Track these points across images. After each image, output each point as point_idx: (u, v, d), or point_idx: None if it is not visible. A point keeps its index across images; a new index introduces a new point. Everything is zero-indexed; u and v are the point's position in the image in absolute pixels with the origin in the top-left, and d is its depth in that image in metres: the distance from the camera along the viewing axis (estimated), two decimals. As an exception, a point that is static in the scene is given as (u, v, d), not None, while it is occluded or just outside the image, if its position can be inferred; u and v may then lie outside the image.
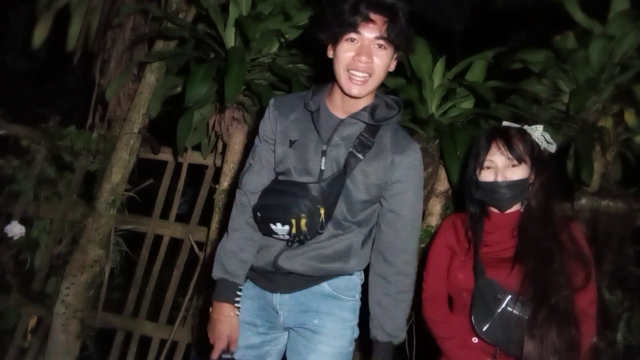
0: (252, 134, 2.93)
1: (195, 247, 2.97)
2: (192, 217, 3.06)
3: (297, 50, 2.74)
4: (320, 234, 1.55)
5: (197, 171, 3.16)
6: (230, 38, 2.70)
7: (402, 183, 1.58)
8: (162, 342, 2.93)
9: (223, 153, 2.92)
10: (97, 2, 3.12)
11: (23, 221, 3.01)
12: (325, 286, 1.63)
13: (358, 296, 1.68)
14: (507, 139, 1.67)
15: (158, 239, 3.09)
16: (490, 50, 2.67)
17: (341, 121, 1.57)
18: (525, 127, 1.75)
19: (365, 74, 1.51)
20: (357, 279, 1.69)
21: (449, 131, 2.49)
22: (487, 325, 1.59)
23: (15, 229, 2.95)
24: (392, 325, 1.63)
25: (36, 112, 3.47)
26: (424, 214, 2.66)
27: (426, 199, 2.60)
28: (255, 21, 2.53)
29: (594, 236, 2.65)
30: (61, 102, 5.33)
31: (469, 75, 2.66)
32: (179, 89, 2.87)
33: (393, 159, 1.56)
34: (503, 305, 1.58)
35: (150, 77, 2.96)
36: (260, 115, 2.72)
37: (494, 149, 1.67)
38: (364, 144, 1.55)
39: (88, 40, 3.15)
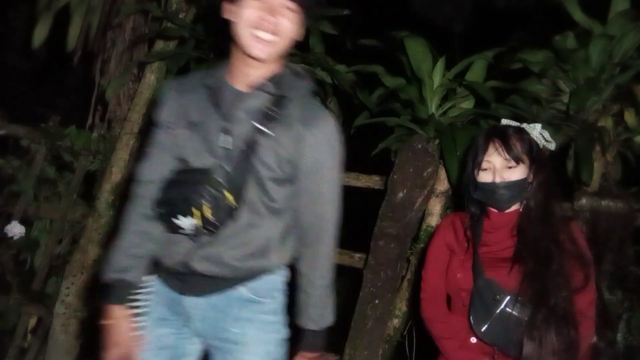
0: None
1: (195, 247, 2.96)
2: (192, 217, 3.05)
3: (297, 50, 2.74)
4: (233, 221, 1.40)
5: (197, 171, 3.15)
6: (230, 38, 2.70)
7: (315, 159, 1.42)
8: (162, 342, 2.93)
9: (223, 153, 2.91)
10: (97, 2, 3.13)
11: (23, 221, 3.01)
12: (243, 290, 1.48)
13: (281, 294, 1.57)
14: (505, 139, 1.65)
15: (158, 239, 3.08)
16: (490, 50, 2.67)
17: (243, 94, 1.42)
18: (524, 125, 1.74)
19: (271, 36, 1.37)
20: (280, 277, 1.56)
21: (449, 131, 2.49)
22: (486, 325, 1.58)
23: (15, 229, 2.95)
24: (317, 312, 1.53)
25: (36, 112, 3.48)
26: (424, 214, 2.67)
27: (426, 199, 2.60)
28: (255, 21, 2.53)
29: (594, 236, 2.65)
30: (61, 102, 5.33)
31: (469, 75, 2.66)
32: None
33: (303, 133, 1.40)
34: (502, 306, 1.57)
35: (150, 77, 2.96)
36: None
37: (491, 150, 1.65)
38: (269, 117, 1.39)
39: (88, 40, 3.16)
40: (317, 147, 1.42)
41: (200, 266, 1.44)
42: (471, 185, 1.72)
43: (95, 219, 2.89)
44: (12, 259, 3.01)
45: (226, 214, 1.38)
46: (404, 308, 2.60)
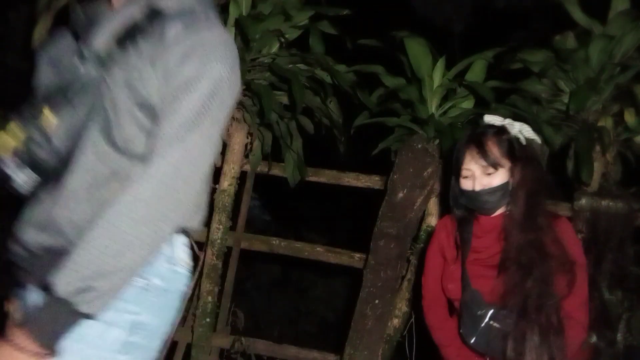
0: (252, 134, 2.94)
1: (195, 247, 2.95)
2: (192, 217, 3.05)
3: (297, 50, 2.74)
4: (57, 156, 1.07)
5: (197, 171, 3.15)
6: (230, 38, 2.70)
7: (185, 86, 1.04)
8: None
9: (223, 153, 2.92)
10: (97, 2, 3.12)
11: (23, 221, 3.00)
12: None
13: (154, 276, 1.12)
14: (481, 145, 1.61)
15: (158, 239, 3.08)
16: (490, 50, 2.67)
17: (107, 13, 1.16)
18: (506, 122, 1.68)
19: None
20: (165, 265, 1.21)
21: (449, 131, 2.49)
22: (474, 338, 1.57)
23: (15, 229, 2.94)
24: (76, 269, 0.94)
25: (36, 112, 3.46)
26: (424, 214, 2.67)
27: (426, 199, 2.60)
28: (255, 21, 2.54)
29: (594, 236, 2.65)
30: (61, 102, 5.32)
31: (469, 75, 2.66)
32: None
33: (173, 57, 1.07)
34: (486, 319, 1.55)
35: (151, 77, 2.95)
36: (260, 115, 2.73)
37: (468, 157, 1.62)
38: (134, 36, 1.10)
39: (88, 40, 3.15)
40: (188, 75, 1.04)
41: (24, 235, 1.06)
42: (457, 191, 1.70)
43: (95, 219, 2.88)
44: (12, 259, 3.00)
45: (42, 139, 1.06)
46: (404, 308, 2.60)
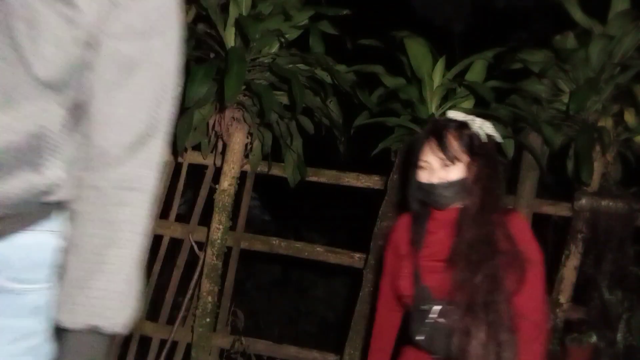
0: (252, 134, 2.94)
1: (195, 247, 2.97)
2: (192, 217, 3.06)
3: (297, 50, 2.74)
4: None
5: (197, 171, 3.16)
6: (230, 38, 2.70)
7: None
8: (162, 342, 2.93)
9: (223, 153, 2.92)
10: (97, 2, 3.12)
11: (23, 221, 3.00)
12: None
13: (51, 283, 0.87)
14: (441, 137, 1.57)
15: (158, 239, 3.09)
16: (490, 50, 2.67)
17: None
18: (468, 118, 1.64)
19: None
20: (55, 238, 0.88)
21: (449, 131, 2.49)
22: (422, 336, 1.54)
23: (15, 229, 2.94)
24: (94, 292, 0.83)
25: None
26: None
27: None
28: (255, 21, 2.53)
29: (594, 236, 2.65)
30: (61, 102, 5.32)
31: (469, 75, 2.66)
32: (179, 89, 2.86)
33: None
34: (435, 316, 1.53)
35: (150, 77, 2.95)
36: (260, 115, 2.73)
37: (427, 149, 1.60)
38: None
39: (88, 40, 3.15)
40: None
41: None
42: (414, 184, 1.66)
43: (95, 219, 2.88)
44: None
45: None
46: (404, 308, 2.61)
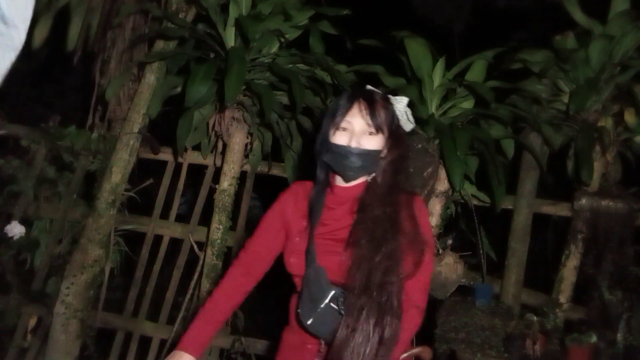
0: (252, 134, 2.94)
1: (195, 247, 2.97)
2: (192, 217, 3.06)
3: (297, 50, 2.74)
4: None
5: (197, 171, 3.16)
6: (230, 38, 2.70)
7: None
8: (162, 342, 2.93)
9: (223, 153, 2.92)
10: (97, 2, 3.12)
11: (23, 221, 3.01)
12: None
13: None
14: (371, 103, 1.50)
15: (158, 239, 3.09)
16: (490, 50, 2.67)
17: None
18: (390, 96, 1.58)
19: None
20: None
21: (449, 131, 2.49)
22: (311, 319, 1.43)
23: (15, 229, 2.95)
24: None
25: (36, 112, 3.48)
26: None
27: (426, 199, 2.60)
28: (255, 21, 2.54)
29: (594, 236, 2.65)
30: (61, 102, 5.32)
31: (469, 75, 2.66)
32: (179, 89, 2.87)
33: None
34: (327, 300, 1.42)
35: (150, 77, 2.96)
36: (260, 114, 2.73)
37: (354, 110, 1.49)
38: None
39: (88, 40, 3.15)
40: None
41: None
42: (323, 146, 1.54)
43: (95, 219, 2.89)
44: (12, 259, 3.00)
45: None
46: (404, 308, 2.60)
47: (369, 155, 1.48)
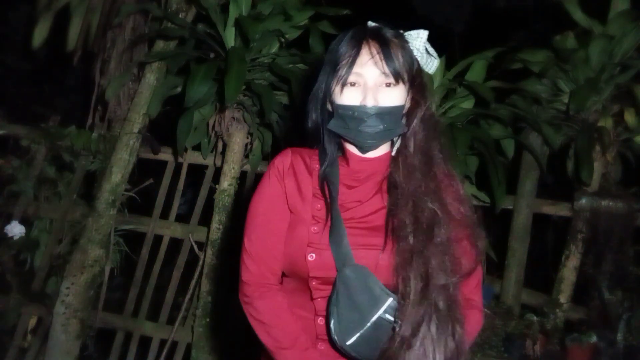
0: (252, 134, 2.94)
1: (195, 247, 2.97)
2: (192, 217, 3.06)
3: (297, 50, 2.74)
4: None
5: (197, 171, 3.16)
6: (230, 38, 2.70)
7: None
8: (162, 342, 2.93)
9: (223, 153, 2.92)
10: (97, 2, 3.12)
11: (23, 221, 3.01)
12: None
13: None
14: (385, 43, 1.11)
15: (158, 239, 3.09)
16: (490, 50, 2.67)
17: None
18: (405, 33, 1.19)
19: None
20: None
21: (449, 131, 2.49)
22: (355, 337, 1.07)
23: (15, 229, 2.95)
24: None
25: (36, 112, 3.48)
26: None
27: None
28: (255, 21, 2.53)
29: (594, 236, 2.65)
30: (61, 102, 5.32)
31: (469, 75, 2.66)
32: (179, 89, 2.87)
33: None
34: (380, 312, 1.06)
35: (150, 77, 2.96)
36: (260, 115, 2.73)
37: (364, 56, 1.10)
38: None
39: (88, 40, 3.15)
40: None
41: None
42: (324, 112, 1.17)
43: (95, 219, 2.89)
44: (12, 259, 3.00)
45: None
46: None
47: (391, 114, 1.12)
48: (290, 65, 2.72)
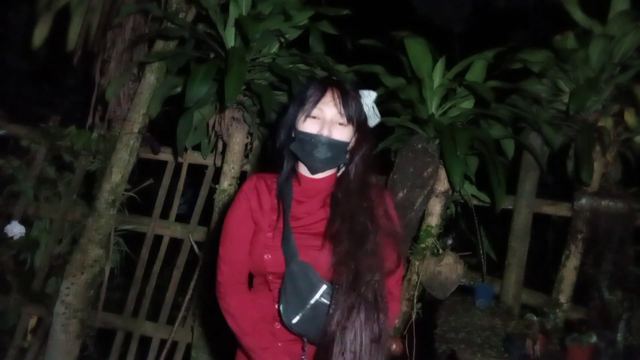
0: (252, 134, 2.94)
1: (195, 247, 2.97)
2: (192, 217, 3.06)
3: (297, 50, 2.74)
4: None
5: (197, 171, 3.16)
6: (230, 38, 2.70)
7: None
8: (162, 342, 2.93)
9: (223, 153, 2.92)
10: (97, 2, 3.13)
11: (23, 221, 3.01)
12: None
13: None
14: (344, 92, 1.46)
15: (158, 239, 3.09)
16: (490, 50, 2.67)
17: None
18: (360, 90, 1.54)
19: None
20: None
21: (449, 131, 2.49)
22: (298, 316, 1.38)
23: (15, 229, 2.95)
24: None
25: (36, 112, 3.48)
26: (424, 214, 2.66)
27: (426, 199, 2.60)
28: (255, 21, 2.53)
29: (594, 236, 2.65)
30: (61, 102, 5.32)
31: (469, 75, 2.66)
32: (179, 89, 2.87)
33: None
34: (317, 296, 1.38)
35: (150, 77, 2.96)
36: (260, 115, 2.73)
37: (327, 98, 1.44)
38: None
39: (88, 40, 3.15)
40: None
41: None
42: (288, 135, 1.50)
43: (95, 219, 2.89)
44: (12, 259, 3.01)
45: None
46: (404, 308, 2.60)
47: (338, 146, 1.45)
48: (290, 65, 2.72)
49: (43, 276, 3.02)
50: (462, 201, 2.82)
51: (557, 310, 2.64)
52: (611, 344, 2.45)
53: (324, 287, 1.38)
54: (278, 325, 1.47)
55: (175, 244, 3.09)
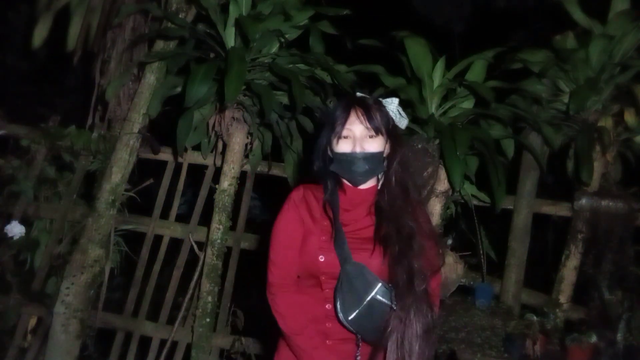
0: (252, 134, 2.94)
1: (195, 247, 2.97)
2: (192, 217, 3.06)
3: (297, 50, 2.74)
4: None
5: (197, 171, 3.16)
6: (230, 38, 2.70)
7: None
8: (162, 342, 2.93)
9: (223, 153, 2.92)
10: (97, 2, 3.13)
11: (23, 221, 3.01)
12: None
13: None
14: (366, 108, 1.57)
15: (158, 239, 3.09)
16: (490, 50, 2.67)
17: None
18: (382, 99, 1.64)
19: None
20: None
21: (449, 131, 2.49)
22: (355, 313, 1.49)
23: (15, 229, 2.95)
24: None
25: (36, 112, 3.48)
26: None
27: (426, 199, 2.60)
28: (255, 21, 2.53)
29: (594, 236, 2.65)
30: (61, 102, 5.32)
31: (469, 75, 2.66)
32: (179, 89, 2.87)
33: None
34: (373, 293, 1.49)
35: (150, 77, 2.96)
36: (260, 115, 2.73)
37: (352, 118, 1.56)
38: None
39: (88, 40, 3.15)
40: None
41: None
42: (326, 158, 1.62)
43: (95, 219, 2.89)
44: (12, 259, 3.01)
45: None
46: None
47: (373, 158, 1.55)
48: (290, 65, 2.72)
49: (43, 276, 3.02)
50: (462, 201, 2.82)
51: (557, 310, 2.64)
52: (611, 344, 2.45)
53: (379, 284, 1.49)
54: (329, 324, 1.56)
55: (175, 244, 3.09)
